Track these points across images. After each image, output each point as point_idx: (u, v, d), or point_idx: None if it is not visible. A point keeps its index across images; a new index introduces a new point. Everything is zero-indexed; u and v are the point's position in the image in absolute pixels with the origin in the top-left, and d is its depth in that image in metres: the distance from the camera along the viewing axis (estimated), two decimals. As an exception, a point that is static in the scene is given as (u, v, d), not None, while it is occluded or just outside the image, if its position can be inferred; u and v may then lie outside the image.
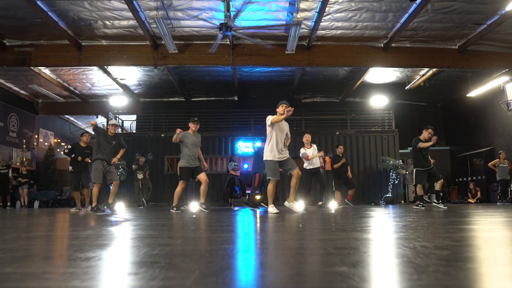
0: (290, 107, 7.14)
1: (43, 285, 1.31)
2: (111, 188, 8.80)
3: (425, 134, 9.23)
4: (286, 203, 7.36)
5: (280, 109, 7.28)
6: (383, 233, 3.01)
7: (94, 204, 8.44)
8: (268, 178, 7.27)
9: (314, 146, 10.77)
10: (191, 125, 8.57)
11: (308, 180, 10.20)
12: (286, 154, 7.30)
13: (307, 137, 10.48)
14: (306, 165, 10.30)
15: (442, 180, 9.45)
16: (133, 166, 14.13)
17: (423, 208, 8.71)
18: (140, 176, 13.99)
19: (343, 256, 1.83)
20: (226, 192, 13.95)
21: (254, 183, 10.98)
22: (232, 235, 2.99)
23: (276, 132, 7.22)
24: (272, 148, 7.17)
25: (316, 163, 10.39)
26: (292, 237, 2.82)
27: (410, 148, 18.21)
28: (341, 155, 12.31)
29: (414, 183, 9.26)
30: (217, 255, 1.91)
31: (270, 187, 7.19)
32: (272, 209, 6.99)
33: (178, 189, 8.38)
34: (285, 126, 7.44)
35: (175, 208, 8.30)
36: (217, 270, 1.51)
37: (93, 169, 8.43)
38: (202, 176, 8.33)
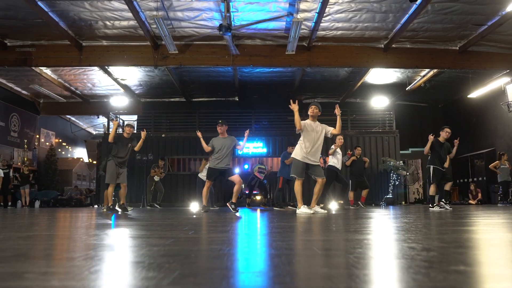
0: (316, 106, 7.25)
1: (21, 285, 1.31)
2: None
3: (443, 134, 9.07)
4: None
5: (309, 111, 7.37)
6: (376, 234, 3.00)
7: (110, 204, 8.62)
8: (291, 175, 7.28)
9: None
10: (217, 128, 8.53)
11: (331, 179, 10.08)
12: (317, 159, 7.33)
13: (340, 139, 10.45)
14: (331, 163, 10.21)
15: (452, 182, 9.39)
16: (152, 171, 14.14)
17: (444, 209, 8.51)
18: (156, 178, 13.93)
19: (328, 257, 1.84)
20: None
21: (278, 185, 11.26)
22: (223, 236, 2.98)
23: (305, 135, 7.22)
24: (301, 148, 7.19)
25: (340, 163, 10.33)
26: (282, 238, 2.80)
27: (411, 149, 18.37)
28: (358, 156, 12.12)
29: (431, 181, 9.06)
30: (202, 255, 1.92)
31: (298, 186, 7.21)
32: (305, 209, 6.99)
33: (205, 189, 8.43)
34: (319, 127, 7.35)
35: (233, 205, 8.21)
36: (198, 271, 1.52)
37: (108, 169, 8.57)
38: (236, 178, 8.32)
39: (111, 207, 8.62)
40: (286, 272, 1.50)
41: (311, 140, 7.20)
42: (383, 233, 3.07)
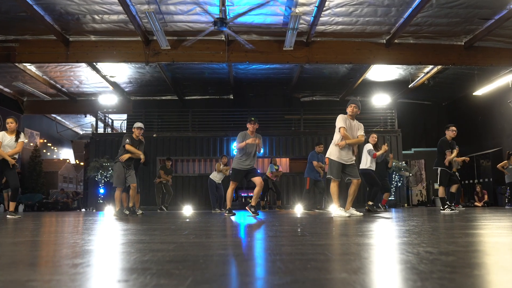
0: (356, 105, 6.98)
1: None
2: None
3: (450, 133, 8.79)
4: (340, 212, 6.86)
5: (348, 109, 7.04)
6: (386, 238, 2.98)
7: (118, 208, 8.59)
8: (328, 176, 7.00)
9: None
10: (248, 125, 8.10)
11: (375, 180, 9.70)
12: (352, 157, 7.03)
13: (374, 137, 10.04)
14: (366, 166, 9.73)
15: (458, 184, 9.18)
16: (161, 171, 13.39)
17: (454, 211, 8.33)
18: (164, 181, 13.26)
19: (344, 262, 1.84)
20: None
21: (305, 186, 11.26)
22: (227, 241, 2.98)
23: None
24: (336, 148, 6.91)
25: (374, 163, 9.92)
26: (290, 242, 2.77)
27: (413, 149, 18.02)
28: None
29: (438, 184, 8.81)
30: (211, 261, 1.88)
31: (334, 188, 6.87)
32: (341, 212, 6.70)
33: (229, 191, 8.20)
34: (356, 126, 7.06)
35: (227, 211, 8.05)
36: (211, 277, 1.49)
37: (114, 172, 8.62)
38: (257, 179, 7.95)
39: (125, 211, 8.62)
40: (304, 277, 1.46)
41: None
42: (394, 237, 3.03)
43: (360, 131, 7.01)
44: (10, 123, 7.96)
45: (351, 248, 2.33)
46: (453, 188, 8.93)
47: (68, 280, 1.46)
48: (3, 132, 7.90)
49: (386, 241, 2.68)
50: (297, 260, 1.89)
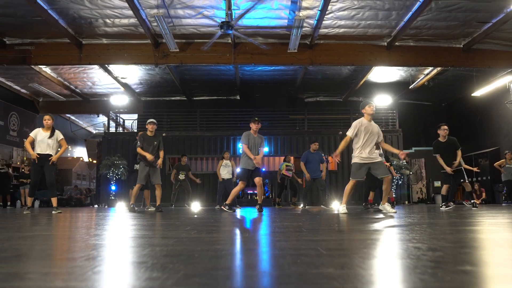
0: (373, 106, 7.01)
1: (23, 285, 1.30)
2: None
3: (442, 132, 9.01)
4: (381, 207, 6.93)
5: (368, 109, 6.98)
6: (379, 234, 2.99)
7: (132, 202, 8.59)
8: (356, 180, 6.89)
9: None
10: (252, 125, 8.19)
11: (373, 180, 9.62)
12: (376, 156, 6.89)
13: None
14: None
15: (447, 185, 9.30)
16: (173, 170, 13.39)
17: (448, 208, 8.55)
18: (181, 177, 13.16)
19: (333, 257, 1.84)
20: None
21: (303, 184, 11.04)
22: (226, 236, 2.99)
23: (360, 136, 6.85)
24: (360, 150, 6.82)
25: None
26: (286, 238, 2.80)
27: (414, 148, 18.25)
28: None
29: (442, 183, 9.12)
30: (205, 255, 1.90)
31: (348, 186, 6.92)
32: (343, 209, 6.84)
33: (237, 189, 8.27)
34: (375, 127, 6.96)
35: (227, 207, 8.13)
36: (202, 271, 1.51)
37: (140, 172, 8.54)
38: (256, 180, 8.10)
39: (132, 206, 8.56)
40: (292, 272, 1.50)
41: (369, 140, 6.86)
42: (388, 233, 3.06)
43: (380, 136, 6.93)
44: (48, 120, 8.02)
45: (343, 244, 2.37)
46: (443, 189, 9.22)
47: (65, 273, 1.51)
48: (38, 129, 8.03)
49: (378, 238, 2.68)
50: (289, 255, 1.93)
